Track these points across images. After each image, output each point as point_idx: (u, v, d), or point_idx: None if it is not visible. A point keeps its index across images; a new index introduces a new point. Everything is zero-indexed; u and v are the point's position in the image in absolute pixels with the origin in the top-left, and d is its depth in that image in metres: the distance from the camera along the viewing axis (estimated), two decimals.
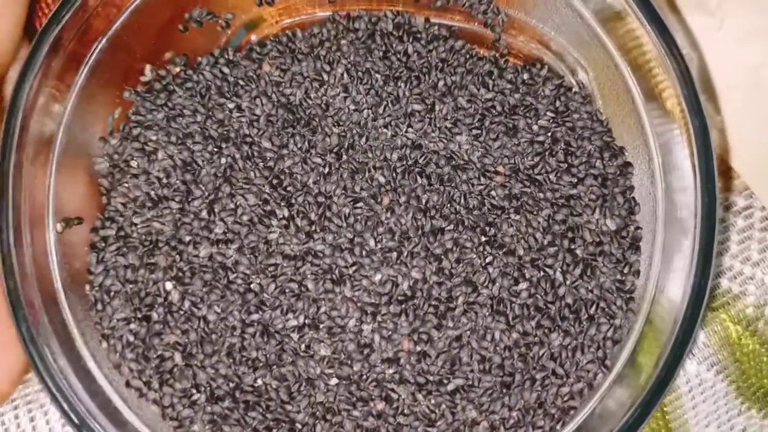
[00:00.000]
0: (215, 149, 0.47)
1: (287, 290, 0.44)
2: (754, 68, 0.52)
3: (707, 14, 0.52)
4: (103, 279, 0.45)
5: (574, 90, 0.49)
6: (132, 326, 0.44)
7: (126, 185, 0.46)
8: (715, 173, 0.39)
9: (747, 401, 0.52)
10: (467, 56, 0.49)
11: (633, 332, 0.43)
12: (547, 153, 0.47)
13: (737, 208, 0.53)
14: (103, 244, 0.46)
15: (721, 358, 0.52)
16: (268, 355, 0.44)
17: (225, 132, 0.47)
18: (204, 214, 0.46)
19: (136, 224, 0.46)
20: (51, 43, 0.41)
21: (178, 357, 0.44)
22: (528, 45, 0.50)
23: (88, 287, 0.45)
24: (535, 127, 0.47)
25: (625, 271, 0.45)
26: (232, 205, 0.46)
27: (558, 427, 0.43)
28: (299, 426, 0.44)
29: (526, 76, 0.49)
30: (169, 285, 0.45)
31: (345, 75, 0.48)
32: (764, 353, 0.52)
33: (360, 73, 0.48)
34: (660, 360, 0.39)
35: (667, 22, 0.41)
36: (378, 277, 0.44)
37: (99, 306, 0.45)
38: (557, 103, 0.48)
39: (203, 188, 0.46)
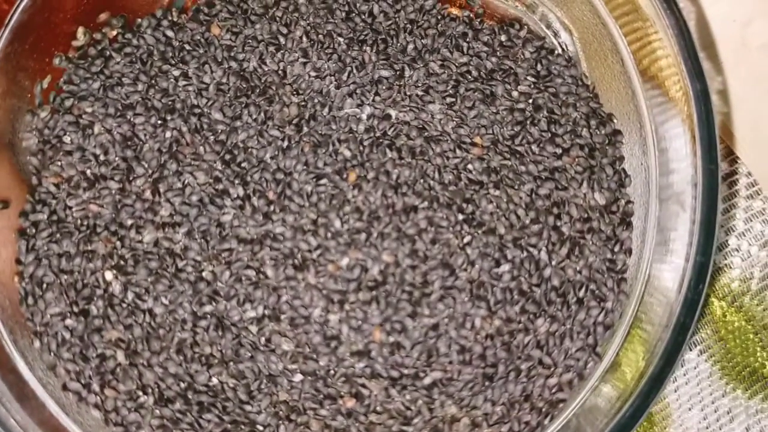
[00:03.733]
0: (159, 122, 0.45)
1: (243, 278, 0.43)
2: (742, 25, 0.52)
3: None
4: (34, 269, 0.43)
5: (556, 52, 0.48)
6: (68, 322, 0.43)
7: (59, 163, 0.45)
8: (717, 140, 0.38)
9: (732, 381, 0.51)
10: (439, 17, 0.48)
11: (626, 316, 0.42)
12: (528, 122, 0.46)
13: (721, 174, 0.52)
14: (34, 230, 0.44)
15: (704, 337, 0.51)
16: (223, 351, 0.43)
17: (170, 102, 0.45)
18: (147, 194, 0.44)
19: (70, 207, 0.44)
20: None
21: (121, 355, 0.43)
22: (505, 4, 0.49)
23: (17, 279, 0.44)
24: (514, 94, 0.46)
25: (616, 249, 0.44)
26: (179, 184, 0.44)
27: (546, 422, 0.42)
28: (260, 428, 0.42)
29: (503, 37, 0.48)
30: (109, 275, 0.43)
31: (304, 38, 0.47)
32: (750, 330, 0.51)
33: (321, 36, 0.47)
34: (657, 347, 0.38)
35: None
36: (345, 261, 0.43)
37: (30, 300, 0.43)
38: (538, 67, 0.47)
39: (146, 165, 0.44)
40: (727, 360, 0.51)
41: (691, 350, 0.51)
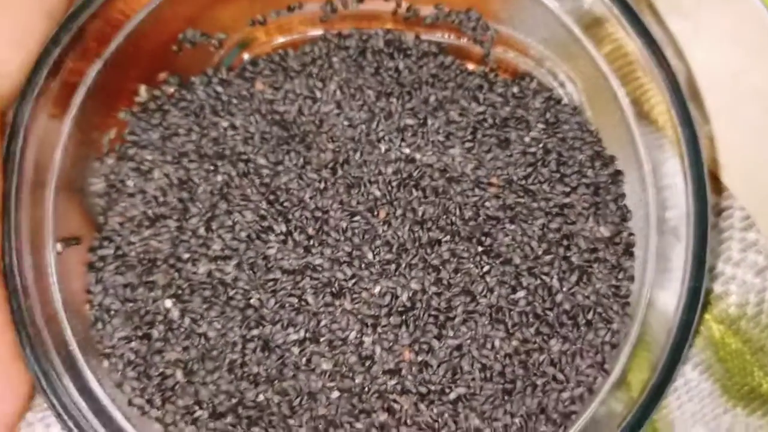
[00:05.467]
0: (211, 167, 0.47)
1: (287, 304, 0.44)
2: (734, 75, 0.52)
3: (683, 17, 0.51)
4: (102, 298, 0.45)
5: (563, 102, 0.49)
6: (133, 344, 0.44)
7: (122, 205, 0.46)
8: (707, 181, 0.40)
9: (732, 399, 0.52)
10: (457, 71, 0.50)
11: (630, 336, 0.43)
12: (539, 163, 0.47)
13: (714, 209, 0.53)
14: (101, 264, 0.46)
15: (705, 357, 0.52)
16: (269, 370, 0.44)
17: (220, 150, 0.47)
18: (201, 231, 0.46)
19: (133, 243, 0.46)
20: (50, 66, 0.42)
21: (179, 374, 0.44)
22: (517, 59, 0.50)
23: (87, 306, 0.45)
24: (526, 139, 0.48)
25: (620, 276, 0.45)
26: (229, 222, 0.46)
27: None
28: None
29: (515, 89, 0.49)
30: (168, 303, 0.45)
31: (338, 91, 0.48)
32: (747, 351, 0.52)
33: (352, 90, 0.48)
34: (657, 363, 0.40)
35: (650, 29, 0.42)
36: (377, 289, 0.44)
37: (99, 325, 0.45)
38: (547, 115, 0.48)
39: (200, 206, 0.46)
40: (726, 379, 0.51)
41: (693, 369, 0.51)
